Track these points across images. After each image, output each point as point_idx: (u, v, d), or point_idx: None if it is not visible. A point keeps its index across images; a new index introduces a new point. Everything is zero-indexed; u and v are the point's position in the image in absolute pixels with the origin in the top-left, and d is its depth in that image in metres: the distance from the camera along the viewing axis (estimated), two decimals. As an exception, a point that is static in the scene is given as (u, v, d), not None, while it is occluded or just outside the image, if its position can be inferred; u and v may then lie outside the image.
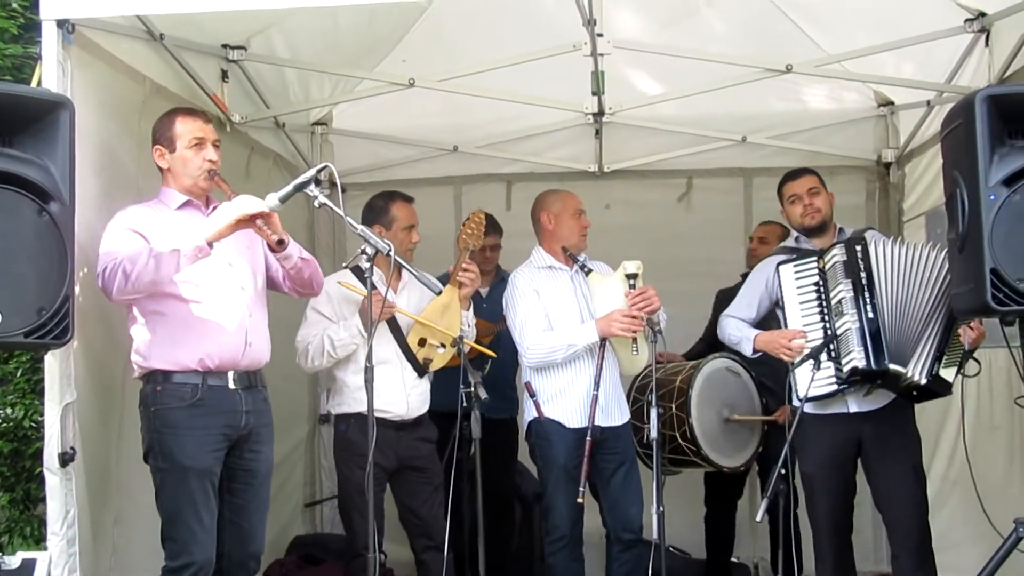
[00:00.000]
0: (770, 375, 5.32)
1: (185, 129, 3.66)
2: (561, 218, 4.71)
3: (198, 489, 3.53)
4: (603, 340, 4.47)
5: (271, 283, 3.92)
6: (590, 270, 4.59)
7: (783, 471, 3.86)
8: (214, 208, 3.75)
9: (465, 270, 4.55)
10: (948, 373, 4.05)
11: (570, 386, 4.55)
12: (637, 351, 4.42)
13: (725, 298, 5.54)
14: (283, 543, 5.91)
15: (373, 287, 3.51)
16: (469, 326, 4.64)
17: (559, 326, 4.56)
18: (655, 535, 4.15)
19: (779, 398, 5.35)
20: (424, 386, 4.61)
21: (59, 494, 3.39)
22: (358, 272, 4.42)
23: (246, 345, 3.69)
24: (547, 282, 4.65)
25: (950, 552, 4.77)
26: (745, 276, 5.67)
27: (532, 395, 4.60)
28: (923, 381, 4.03)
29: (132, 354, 3.62)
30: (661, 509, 4.13)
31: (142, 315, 3.58)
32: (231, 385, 3.65)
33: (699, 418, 4.93)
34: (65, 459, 3.38)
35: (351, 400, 4.44)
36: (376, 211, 4.62)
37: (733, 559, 5.99)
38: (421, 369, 4.56)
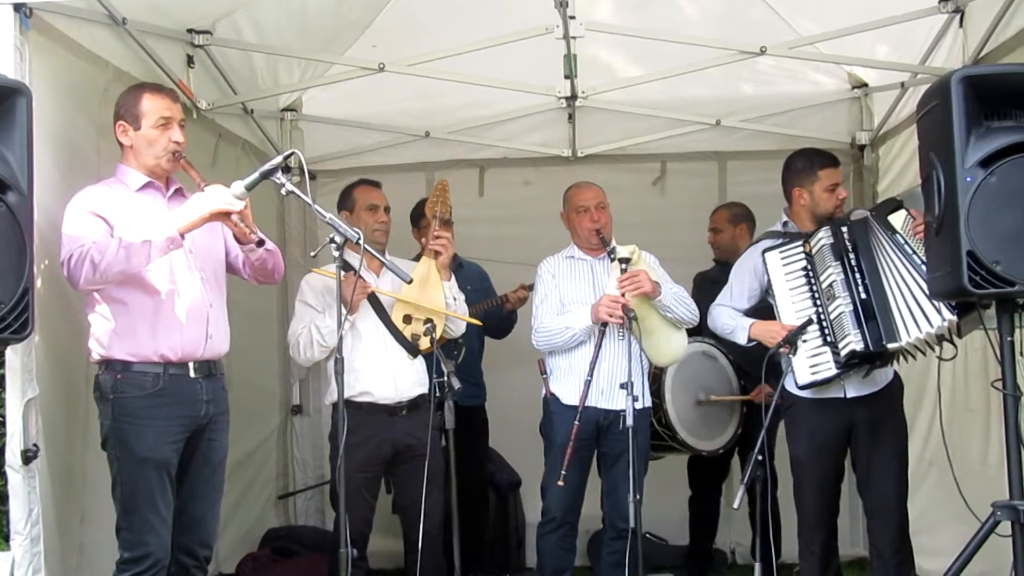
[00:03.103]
0: (744, 356, 5.32)
1: (152, 107, 3.56)
2: (569, 216, 4.81)
3: (156, 480, 3.46)
4: (604, 325, 4.46)
5: (230, 268, 3.85)
6: (615, 256, 4.53)
7: (760, 457, 3.82)
8: (176, 190, 3.68)
9: (437, 238, 4.53)
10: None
11: (574, 366, 4.60)
12: (623, 336, 4.36)
13: (703, 281, 5.53)
14: (256, 536, 5.85)
15: (350, 269, 3.43)
16: (455, 299, 4.61)
17: (571, 311, 4.61)
18: (632, 522, 4.12)
19: (756, 379, 5.35)
20: (418, 367, 4.55)
21: (22, 493, 3.30)
22: (347, 267, 4.39)
23: (207, 337, 3.63)
24: (565, 269, 4.75)
25: (925, 534, 4.78)
26: (717, 262, 5.67)
27: (543, 372, 4.69)
28: (902, 344, 3.98)
29: (90, 340, 3.53)
30: (638, 497, 4.11)
31: (103, 301, 3.48)
32: (192, 374, 3.58)
33: (674, 403, 4.93)
34: (28, 456, 3.29)
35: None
36: (342, 198, 4.70)
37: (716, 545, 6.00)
38: (412, 348, 4.50)
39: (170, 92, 3.71)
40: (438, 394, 4.24)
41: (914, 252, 3.97)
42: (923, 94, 3.47)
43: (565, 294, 4.68)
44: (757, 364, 5.28)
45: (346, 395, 3.75)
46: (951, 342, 3.88)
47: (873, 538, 4.34)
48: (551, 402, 4.65)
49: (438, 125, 6.21)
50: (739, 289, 4.51)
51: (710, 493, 5.79)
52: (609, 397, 4.52)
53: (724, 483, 5.83)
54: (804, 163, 4.47)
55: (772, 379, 5.17)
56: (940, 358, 3.92)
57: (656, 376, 4.90)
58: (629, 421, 4.11)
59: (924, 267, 3.82)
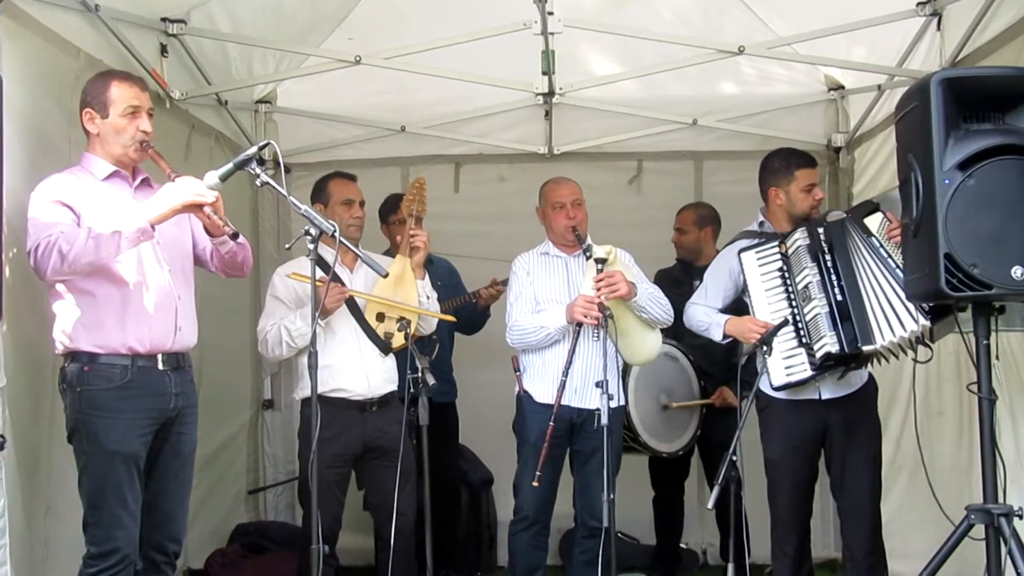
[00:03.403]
0: (706, 358, 5.33)
1: (120, 95, 3.50)
2: (545, 212, 4.77)
3: (124, 474, 3.40)
4: (579, 325, 4.42)
5: (197, 261, 3.79)
6: (591, 255, 4.49)
7: (734, 458, 3.80)
8: (142, 180, 3.62)
9: (414, 235, 4.49)
10: None
11: (548, 365, 4.57)
12: (597, 337, 4.32)
13: (665, 278, 5.51)
14: (225, 531, 5.79)
15: (324, 264, 3.38)
16: (428, 297, 4.58)
17: (546, 309, 4.58)
18: (605, 521, 4.11)
19: (716, 381, 5.41)
20: (388, 364, 4.53)
21: (-12, 484, 3.24)
22: (321, 263, 4.35)
23: (176, 330, 3.57)
24: (540, 266, 4.72)
25: (896, 537, 4.78)
26: (680, 261, 5.67)
27: (516, 370, 4.66)
28: (876, 346, 3.98)
29: (55, 331, 3.45)
30: (612, 496, 4.09)
31: (69, 292, 3.41)
32: (160, 366, 3.52)
33: (636, 404, 4.93)
34: (-6, 448, 3.23)
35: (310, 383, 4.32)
36: (316, 190, 4.64)
37: (682, 545, 6.00)
38: (384, 346, 4.47)
39: (139, 81, 3.63)
40: (412, 390, 4.20)
41: (889, 256, 3.97)
42: (902, 96, 3.48)
43: (540, 292, 4.65)
44: (718, 365, 5.38)
45: (321, 391, 3.72)
46: (927, 345, 3.89)
47: (847, 539, 4.35)
48: (524, 400, 4.63)
49: (414, 120, 6.17)
50: (714, 288, 4.49)
51: (673, 493, 5.79)
52: (583, 396, 4.50)
53: (686, 482, 5.82)
54: (781, 163, 4.46)
55: (732, 380, 5.30)
56: (915, 360, 3.92)
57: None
58: (604, 420, 4.09)
59: (899, 271, 3.84)
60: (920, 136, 3.24)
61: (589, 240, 4.57)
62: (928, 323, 3.81)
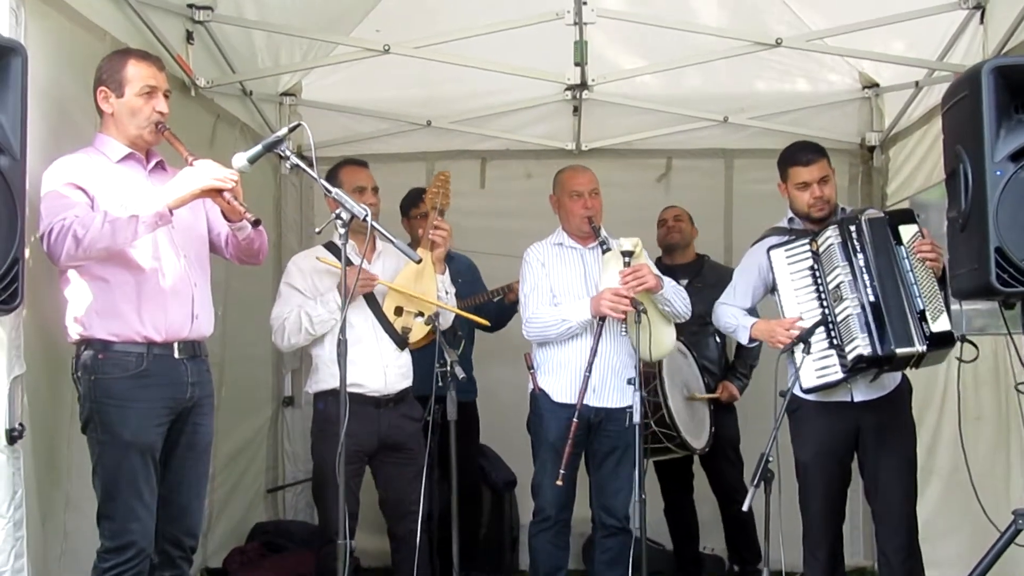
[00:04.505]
0: (704, 354, 5.38)
1: (137, 74, 3.40)
2: (561, 201, 4.64)
3: (140, 465, 3.31)
4: (602, 319, 4.31)
5: (212, 247, 3.69)
6: (608, 248, 4.42)
7: (771, 459, 3.70)
8: (157, 163, 3.53)
9: (437, 228, 4.39)
10: (942, 323, 3.88)
11: (567, 362, 4.45)
12: (625, 332, 4.22)
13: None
14: (244, 530, 5.73)
15: (348, 261, 3.31)
16: (447, 292, 4.48)
17: (563, 302, 4.47)
18: (636, 522, 4.01)
19: (717, 377, 5.44)
20: (405, 359, 4.43)
21: (6, 473, 3.13)
22: (333, 248, 4.30)
23: (193, 318, 3.48)
24: (555, 257, 4.59)
25: (927, 544, 4.64)
26: (658, 259, 5.60)
27: (530, 367, 4.53)
28: (923, 349, 3.89)
29: (68, 319, 3.36)
30: (643, 496, 3.99)
31: (82, 278, 3.32)
32: (176, 355, 3.43)
33: (673, 402, 4.84)
34: (13, 436, 3.12)
35: (328, 376, 4.26)
36: (327, 179, 4.46)
37: (703, 549, 5.88)
38: (401, 341, 4.38)
39: (156, 60, 3.52)
40: (440, 383, 4.10)
41: (910, 270, 3.93)
42: (949, 86, 3.40)
43: (556, 283, 4.52)
44: (714, 361, 5.47)
45: (334, 385, 3.64)
46: (972, 343, 3.78)
47: (881, 544, 4.22)
48: (540, 398, 4.50)
49: (440, 114, 6.11)
50: (743, 287, 4.40)
51: (684, 497, 5.70)
52: (601, 394, 4.40)
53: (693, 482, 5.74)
54: (781, 159, 4.39)
55: (729, 375, 5.48)
56: (960, 359, 3.81)
57: (649, 376, 4.77)
58: (636, 418, 4.00)
59: (915, 287, 3.89)
60: (970, 127, 3.16)
61: (605, 233, 4.48)
62: (924, 349, 3.83)
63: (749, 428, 5.50)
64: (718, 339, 5.53)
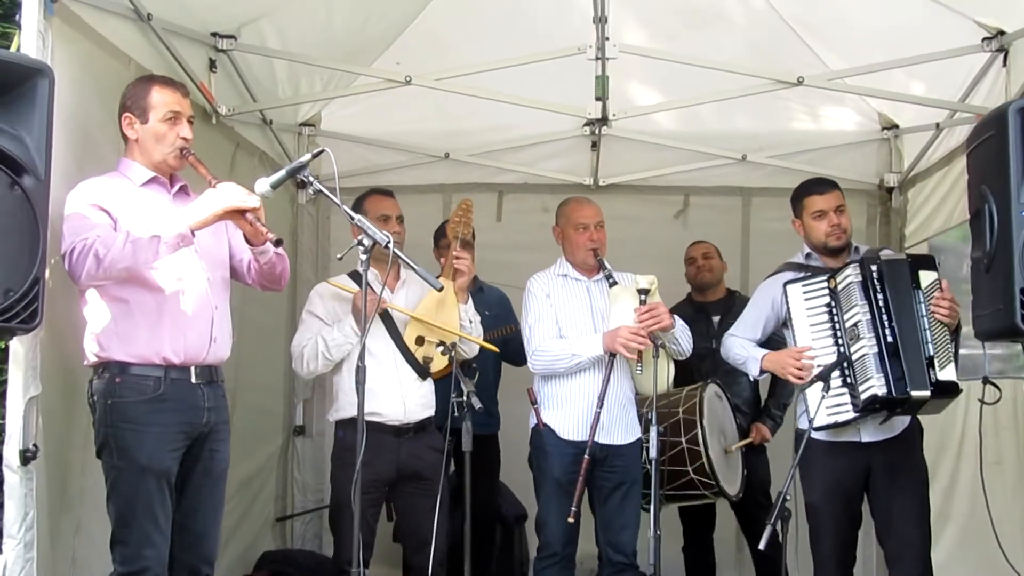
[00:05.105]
0: (738, 395, 5.29)
1: (161, 100, 3.41)
2: (565, 232, 4.61)
3: (155, 490, 3.28)
4: (612, 355, 4.29)
5: (233, 273, 3.68)
6: (614, 282, 4.40)
7: (788, 497, 3.65)
8: (180, 187, 3.54)
9: (458, 258, 4.37)
10: (948, 372, 3.85)
11: (572, 397, 4.40)
12: (641, 370, 4.20)
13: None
14: (252, 558, 5.67)
15: (368, 284, 3.29)
16: (471, 321, 4.45)
17: (569, 335, 4.43)
18: (651, 560, 3.95)
19: (749, 418, 5.37)
20: (426, 389, 4.40)
21: (18, 494, 3.13)
22: (356, 277, 4.25)
23: (211, 340, 3.46)
24: (560, 288, 4.54)
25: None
26: (689, 296, 5.55)
27: (533, 403, 4.47)
28: (927, 395, 3.85)
29: (86, 340, 3.35)
30: (658, 532, 3.94)
31: (102, 299, 3.31)
32: (193, 379, 3.41)
33: (713, 451, 4.72)
34: (27, 457, 3.12)
35: (348, 404, 4.23)
36: (352, 208, 4.47)
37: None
38: (422, 370, 4.35)
39: (180, 86, 3.54)
40: (456, 413, 4.07)
41: (923, 316, 3.89)
42: (975, 126, 3.40)
43: (561, 316, 4.48)
44: (748, 402, 5.37)
45: (354, 413, 3.61)
46: (994, 384, 3.74)
47: (897, 585, 4.16)
48: (544, 434, 4.43)
49: (458, 147, 6.14)
50: (754, 319, 4.38)
51: (706, 537, 5.61)
52: (607, 431, 4.36)
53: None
54: (796, 193, 4.39)
55: (762, 417, 5.37)
56: (982, 401, 3.76)
57: (690, 424, 4.70)
58: (652, 452, 3.96)
59: (927, 332, 3.87)
60: (996, 167, 3.15)
61: (608, 267, 4.46)
62: (928, 394, 3.80)
63: (779, 468, 5.43)
64: (751, 378, 5.48)
